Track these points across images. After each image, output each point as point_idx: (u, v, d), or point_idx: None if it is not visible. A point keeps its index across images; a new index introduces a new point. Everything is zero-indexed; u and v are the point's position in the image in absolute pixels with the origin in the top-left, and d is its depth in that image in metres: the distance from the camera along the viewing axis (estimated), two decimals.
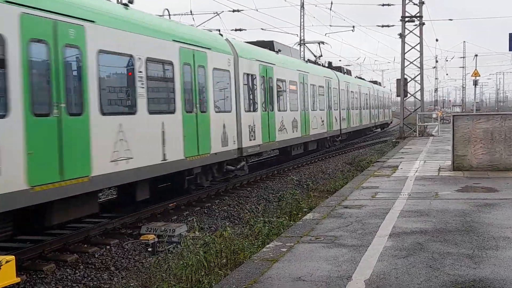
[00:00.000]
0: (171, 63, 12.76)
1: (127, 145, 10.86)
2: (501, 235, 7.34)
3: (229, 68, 15.92)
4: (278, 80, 20.03)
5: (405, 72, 31.43)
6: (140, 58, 11.48)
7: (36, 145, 8.73)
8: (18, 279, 7.14)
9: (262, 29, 48.93)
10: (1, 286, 6.68)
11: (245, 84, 17.01)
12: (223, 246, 8.20)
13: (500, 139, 13.99)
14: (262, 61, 18.58)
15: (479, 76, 41.07)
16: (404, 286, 5.43)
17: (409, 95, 33.83)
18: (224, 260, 7.84)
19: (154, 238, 10.38)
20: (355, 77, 42.32)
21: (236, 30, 36.54)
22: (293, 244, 7.19)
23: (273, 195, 16.02)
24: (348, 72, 38.40)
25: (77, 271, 9.02)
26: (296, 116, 22.15)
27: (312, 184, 17.97)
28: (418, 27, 31.18)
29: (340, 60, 55.14)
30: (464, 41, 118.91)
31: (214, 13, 29.46)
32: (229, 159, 15.87)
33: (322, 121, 26.54)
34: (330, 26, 41.42)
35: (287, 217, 10.88)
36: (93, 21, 10.10)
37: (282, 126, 20.21)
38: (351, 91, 34.49)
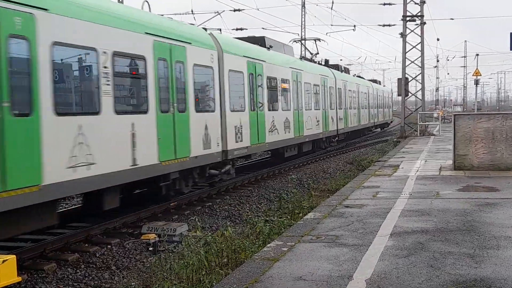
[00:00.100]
0: (143, 58, 11.55)
1: (89, 149, 9.72)
2: (502, 235, 7.33)
3: (212, 64, 14.72)
4: (268, 78, 19.02)
5: (406, 72, 31.50)
6: (105, 52, 10.31)
7: None
8: (19, 279, 7.15)
9: (263, 28, 49.06)
10: (3, 286, 6.68)
11: (231, 82, 15.88)
12: (224, 246, 8.20)
13: (501, 138, 13.98)
14: (250, 58, 17.52)
15: (480, 75, 41.06)
16: (405, 285, 5.42)
17: (410, 94, 33.83)
18: (225, 260, 7.84)
19: (155, 237, 10.39)
20: (354, 76, 41.78)
21: (237, 29, 36.49)
22: (294, 243, 7.19)
23: (274, 194, 16.02)
24: (346, 71, 37.28)
25: (78, 271, 9.02)
26: (289, 116, 21.12)
27: (313, 184, 17.99)
28: (419, 27, 31.22)
29: (341, 60, 55.06)
30: (465, 40, 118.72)
31: (215, 13, 29.44)
32: (212, 162, 14.69)
33: (318, 121, 25.50)
34: (331, 25, 41.38)
35: (288, 216, 10.89)
36: (45, 9, 8.93)
37: (272, 127, 19.18)
38: (349, 90, 33.46)
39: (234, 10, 33.98)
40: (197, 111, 13.75)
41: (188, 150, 13.17)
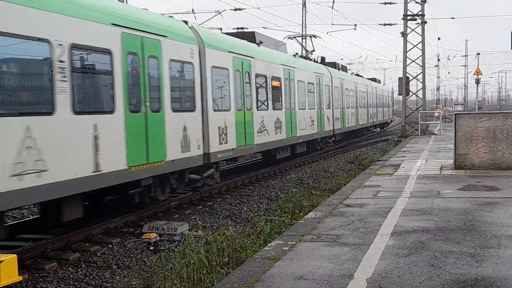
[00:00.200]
0: (109, 52, 10.37)
1: (39, 154, 8.52)
2: (503, 234, 7.33)
3: (192, 60, 13.44)
4: (257, 75, 17.74)
5: (407, 71, 31.50)
6: (61, 45, 9.13)
7: None
8: (20, 278, 7.16)
9: (264, 27, 49.08)
10: (3, 285, 6.69)
11: (214, 79, 14.62)
12: (225, 245, 8.21)
13: (502, 137, 13.98)
14: (237, 53, 16.29)
15: (481, 74, 41.17)
16: (406, 284, 5.42)
17: (411, 93, 33.83)
18: (226, 259, 7.85)
19: (156, 236, 10.40)
20: (352, 74, 41.08)
21: (238, 28, 36.50)
22: (295, 242, 7.19)
23: (275, 194, 16.04)
24: (344, 69, 35.99)
25: (79, 270, 9.03)
26: (280, 115, 19.85)
27: (314, 183, 17.99)
28: (420, 26, 31.22)
29: (342, 59, 55.13)
30: (466, 40, 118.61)
31: (216, 12, 29.50)
32: (192, 167, 13.46)
33: (312, 121, 24.24)
34: (332, 24, 41.42)
35: (289, 216, 10.90)
36: None
37: (262, 127, 17.88)
38: (346, 89, 32.25)
39: (235, 9, 34.01)
40: (174, 110, 12.52)
41: (163, 153, 11.99)
